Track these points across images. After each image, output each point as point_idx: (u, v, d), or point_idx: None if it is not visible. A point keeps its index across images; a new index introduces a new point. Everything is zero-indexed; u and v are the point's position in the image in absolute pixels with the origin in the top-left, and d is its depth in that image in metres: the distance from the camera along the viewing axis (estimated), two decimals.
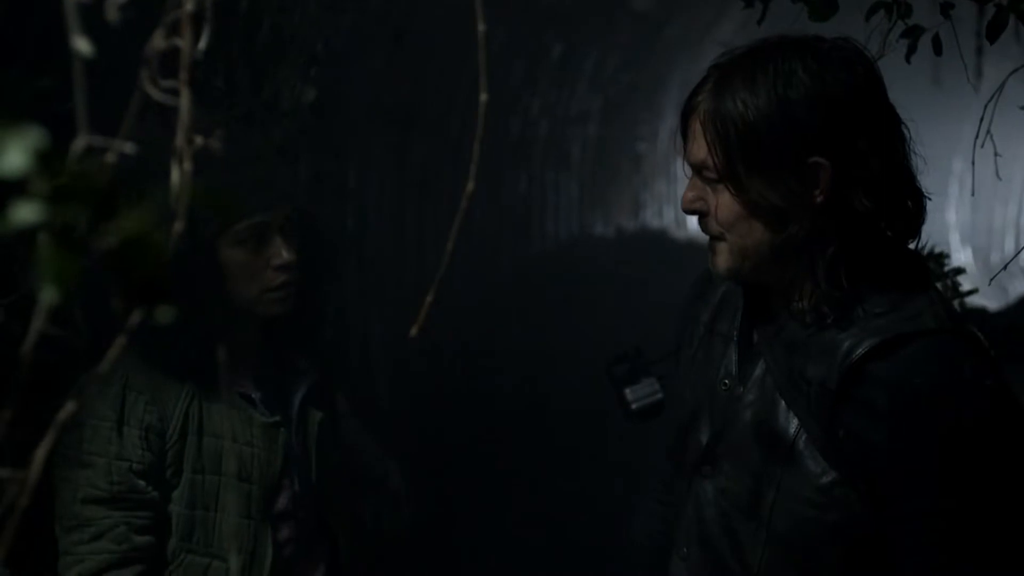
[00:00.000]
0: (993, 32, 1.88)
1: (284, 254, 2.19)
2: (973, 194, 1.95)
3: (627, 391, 2.22)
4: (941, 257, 2.39)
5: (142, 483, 2.17)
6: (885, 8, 1.99)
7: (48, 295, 0.77)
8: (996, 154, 1.90)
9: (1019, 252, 1.93)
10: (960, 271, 2.40)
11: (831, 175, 1.71)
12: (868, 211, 1.72)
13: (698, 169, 1.80)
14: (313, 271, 2.31)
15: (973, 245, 9.69)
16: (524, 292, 5.77)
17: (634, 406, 2.22)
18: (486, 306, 5.45)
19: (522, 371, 5.52)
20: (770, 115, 1.71)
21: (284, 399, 2.34)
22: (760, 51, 1.77)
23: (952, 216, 10.04)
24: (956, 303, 2.30)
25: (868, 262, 1.76)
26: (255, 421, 2.27)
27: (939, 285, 2.28)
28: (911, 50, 2.03)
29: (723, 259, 1.82)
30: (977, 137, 1.87)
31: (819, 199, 1.72)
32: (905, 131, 1.76)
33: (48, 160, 0.77)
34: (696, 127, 1.78)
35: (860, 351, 1.71)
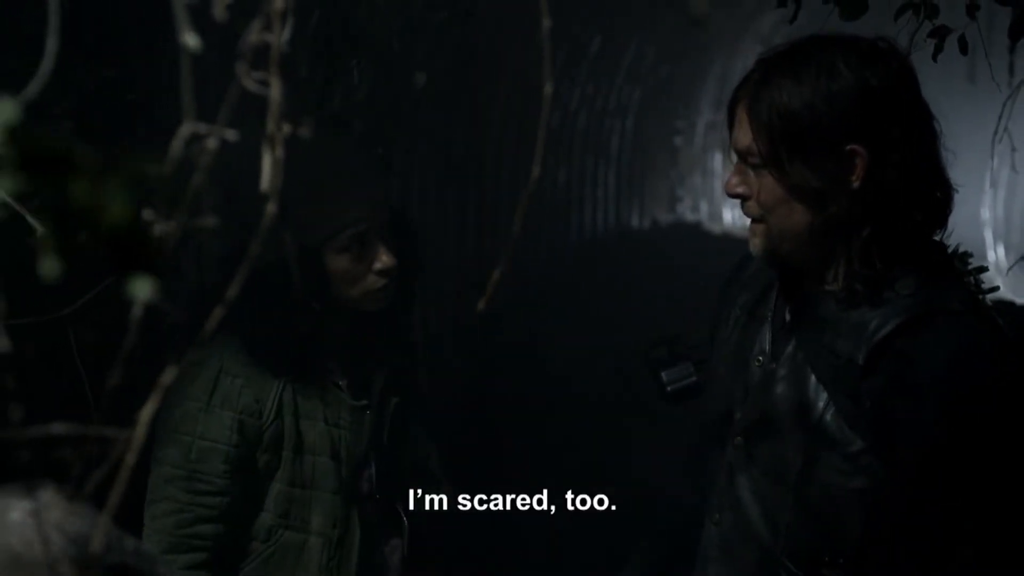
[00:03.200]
0: (1016, 32, 1.97)
1: (385, 259, 2.30)
2: (991, 186, 2.05)
3: (663, 374, 2.32)
4: (965, 256, 2.48)
5: (223, 466, 2.26)
6: (913, 9, 2.08)
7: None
8: (1013, 149, 1.98)
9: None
10: (983, 269, 2.50)
11: (867, 161, 1.83)
12: (900, 197, 1.84)
13: (743, 155, 1.91)
14: (405, 268, 2.40)
15: (1006, 242, 9.70)
16: (562, 281, 5.86)
17: (669, 388, 2.32)
18: (525, 294, 5.54)
19: (560, 360, 5.60)
20: (813, 104, 1.83)
21: (367, 385, 2.45)
22: (803, 46, 1.90)
23: (986, 213, 10.05)
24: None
25: (898, 246, 1.87)
26: (344, 404, 2.37)
27: None
28: (938, 49, 2.12)
29: (763, 240, 1.93)
30: (996, 133, 1.96)
31: (855, 184, 1.84)
32: (936, 126, 1.88)
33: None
34: (742, 115, 1.90)
35: (887, 328, 1.83)
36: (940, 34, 2.11)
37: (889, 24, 2.10)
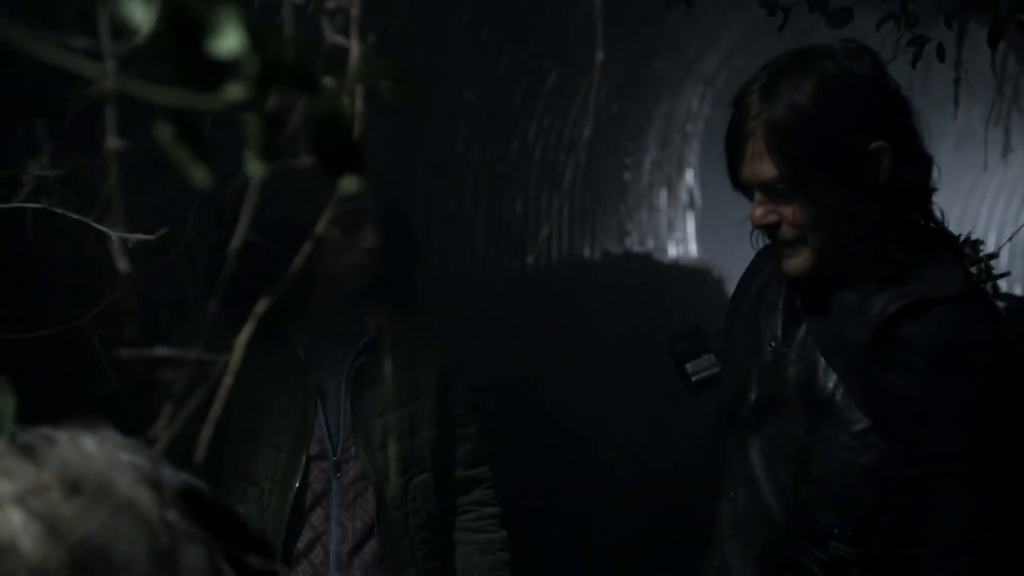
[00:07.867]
0: (993, 39, 2.09)
1: (373, 238, 2.42)
2: (986, 168, 2.15)
3: (687, 365, 2.41)
4: (977, 243, 2.57)
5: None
6: (895, 19, 2.21)
7: (255, 170, 0.80)
8: (1005, 132, 2.10)
9: (1003, 244, 2.13)
10: (994, 255, 2.57)
11: (892, 156, 1.90)
12: (920, 186, 1.94)
13: (767, 187, 1.94)
14: (394, 252, 2.51)
15: None
16: (518, 307, 5.95)
17: (694, 379, 2.41)
18: (482, 319, 5.61)
19: (516, 383, 5.67)
20: (832, 116, 1.88)
21: (333, 354, 2.53)
22: (789, 65, 1.93)
23: None
24: (989, 285, 2.51)
25: (903, 233, 1.96)
26: (297, 364, 2.47)
27: (974, 269, 2.49)
28: (916, 57, 2.25)
29: (805, 259, 1.96)
30: (989, 120, 2.08)
31: (882, 180, 1.90)
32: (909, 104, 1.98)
33: (261, 40, 0.76)
34: (757, 147, 1.92)
35: (888, 312, 1.92)
36: (919, 43, 2.23)
37: (871, 34, 2.22)
